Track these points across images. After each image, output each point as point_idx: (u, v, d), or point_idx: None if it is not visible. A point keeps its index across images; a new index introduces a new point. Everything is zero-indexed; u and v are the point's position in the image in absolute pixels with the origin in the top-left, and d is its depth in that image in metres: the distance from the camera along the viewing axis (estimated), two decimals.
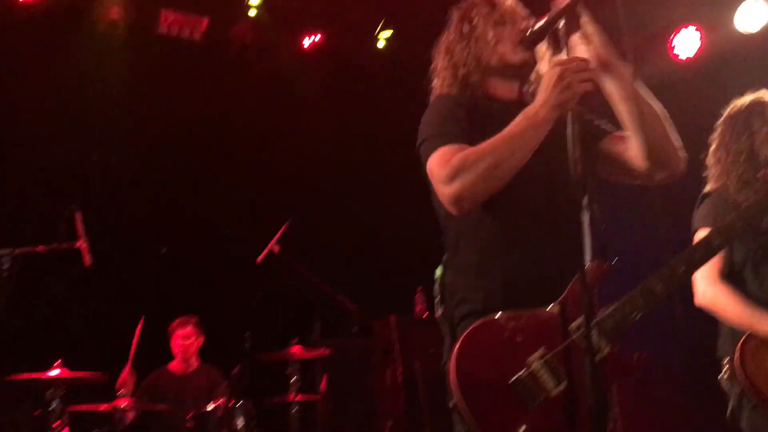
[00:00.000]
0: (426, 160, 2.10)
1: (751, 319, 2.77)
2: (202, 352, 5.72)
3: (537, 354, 1.94)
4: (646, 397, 4.41)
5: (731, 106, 3.13)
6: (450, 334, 2.11)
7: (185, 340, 5.54)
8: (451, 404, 2.10)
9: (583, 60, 1.95)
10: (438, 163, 2.03)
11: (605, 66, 2.05)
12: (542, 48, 2.17)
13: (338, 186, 6.80)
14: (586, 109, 2.25)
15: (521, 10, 2.26)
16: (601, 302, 2.07)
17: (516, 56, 2.18)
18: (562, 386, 1.91)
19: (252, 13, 6.11)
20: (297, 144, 6.81)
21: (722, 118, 3.13)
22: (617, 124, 2.21)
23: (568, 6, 1.93)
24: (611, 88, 2.07)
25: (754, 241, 2.88)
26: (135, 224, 6.34)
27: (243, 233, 6.15)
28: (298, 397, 4.93)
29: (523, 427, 1.87)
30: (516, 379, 1.91)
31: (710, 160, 3.08)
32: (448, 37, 2.30)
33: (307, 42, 6.48)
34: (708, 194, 3.03)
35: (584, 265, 1.88)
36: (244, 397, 4.95)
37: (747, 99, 3.09)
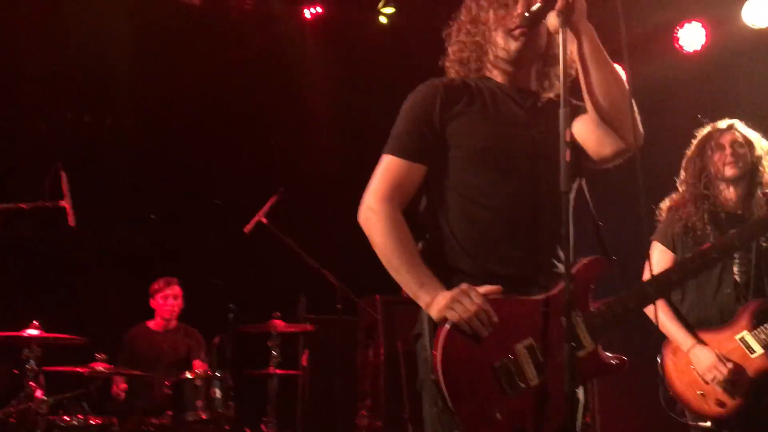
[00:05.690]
0: (383, 150, 2.14)
1: (676, 336, 3.17)
2: (184, 320, 5.66)
3: (525, 342, 1.91)
4: (628, 397, 4.49)
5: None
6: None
7: (174, 299, 5.47)
8: (418, 385, 2.07)
9: (485, 306, 1.87)
10: (377, 174, 2.12)
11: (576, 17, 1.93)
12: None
13: (333, 161, 6.71)
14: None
15: None
16: (596, 298, 2.03)
17: (506, 46, 2.11)
18: (542, 378, 1.89)
19: None
20: (294, 116, 6.72)
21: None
22: None
23: None
24: (579, 45, 1.97)
25: None
26: (124, 187, 6.28)
27: (234, 203, 6.08)
28: (279, 371, 4.90)
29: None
30: (501, 364, 1.87)
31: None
32: (460, 14, 2.26)
33: (308, 13, 6.37)
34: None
35: (569, 259, 1.79)
36: (223, 367, 4.92)
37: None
